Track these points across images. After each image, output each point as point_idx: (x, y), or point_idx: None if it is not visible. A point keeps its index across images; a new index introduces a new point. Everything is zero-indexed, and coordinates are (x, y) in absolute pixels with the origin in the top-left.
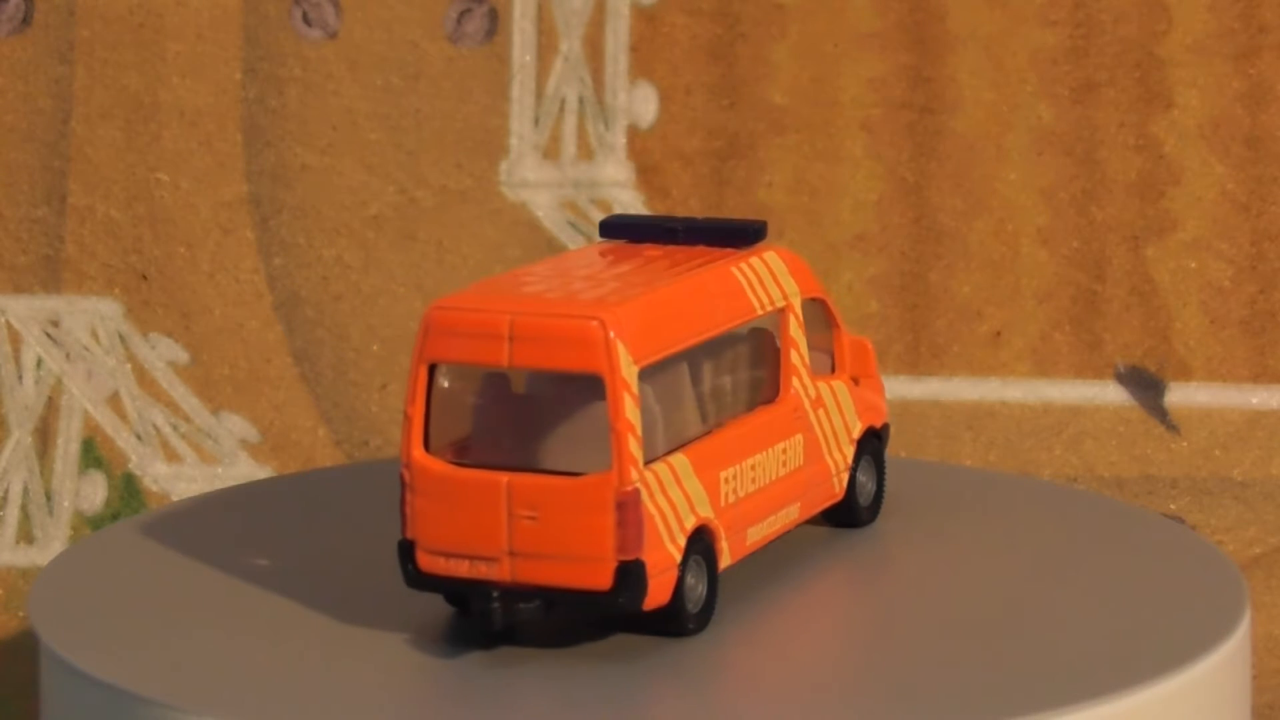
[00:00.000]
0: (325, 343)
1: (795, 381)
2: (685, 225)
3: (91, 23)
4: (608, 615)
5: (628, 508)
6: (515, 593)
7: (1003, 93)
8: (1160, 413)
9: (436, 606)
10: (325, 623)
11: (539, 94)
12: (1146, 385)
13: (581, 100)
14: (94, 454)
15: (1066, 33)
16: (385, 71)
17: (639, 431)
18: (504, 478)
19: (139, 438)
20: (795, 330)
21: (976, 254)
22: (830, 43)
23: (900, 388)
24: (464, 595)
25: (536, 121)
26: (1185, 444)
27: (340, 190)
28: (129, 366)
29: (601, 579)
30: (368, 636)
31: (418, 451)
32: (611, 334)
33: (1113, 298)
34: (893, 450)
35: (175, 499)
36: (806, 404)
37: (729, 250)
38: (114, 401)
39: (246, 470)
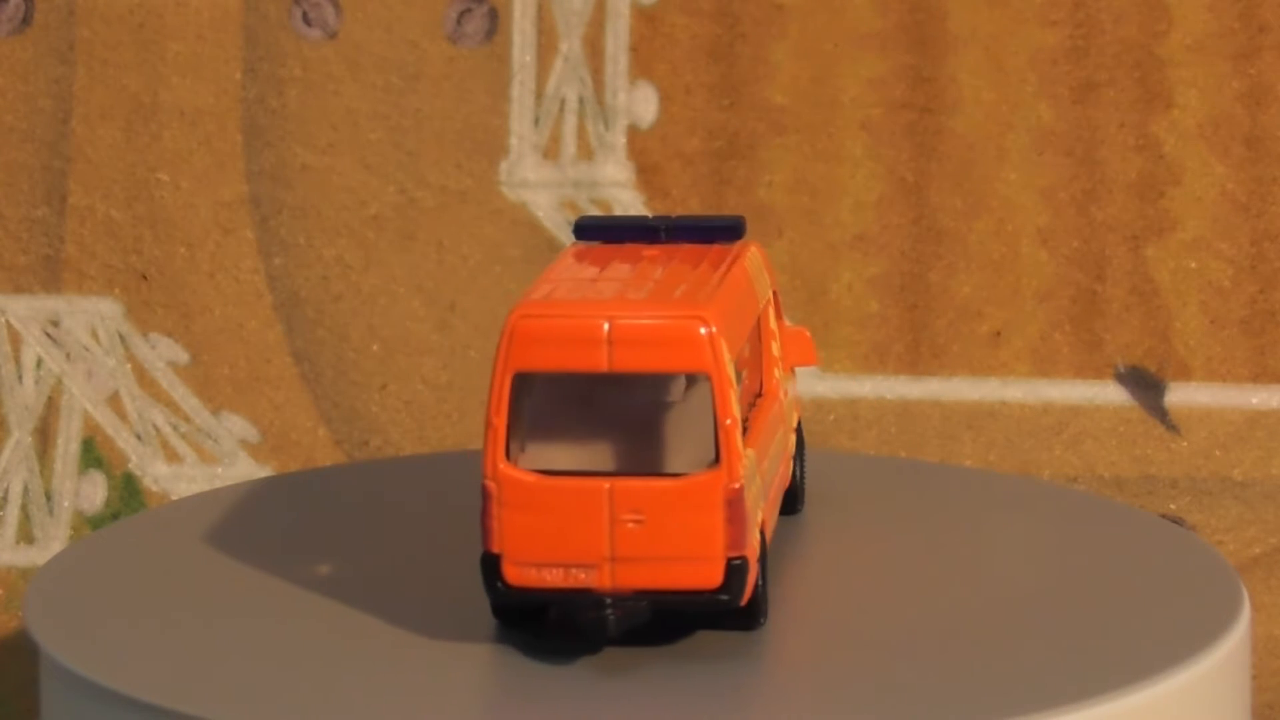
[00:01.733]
0: (325, 343)
1: (775, 373)
2: (667, 224)
3: (91, 23)
4: (711, 614)
5: (735, 504)
6: (622, 598)
7: (1003, 93)
8: (1160, 413)
9: (436, 607)
10: (325, 623)
11: (539, 94)
12: (1146, 385)
13: (581, 100)
14: (94, 454)
15: (1066, 33)
16: (385, 71)
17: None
18: (605, 483)
19: (139, 438)
20: (774, 322)
21: (976, 254)
22: (830, 43)
23: (900, 388)
24: (547, 606)
25: (536, 121)
26: (1185, 444)
27: (340, 190)
28: (129, 366)
29: (711, 578)
30: (367, 637)
31: (504, 463)
32: (715, 331)
33: (1113, 298)
34: (892, 450)
35: (175, 499)
36: (782, 395)
37: (722, 246)
38: (114, 401)
39: (246, 470)
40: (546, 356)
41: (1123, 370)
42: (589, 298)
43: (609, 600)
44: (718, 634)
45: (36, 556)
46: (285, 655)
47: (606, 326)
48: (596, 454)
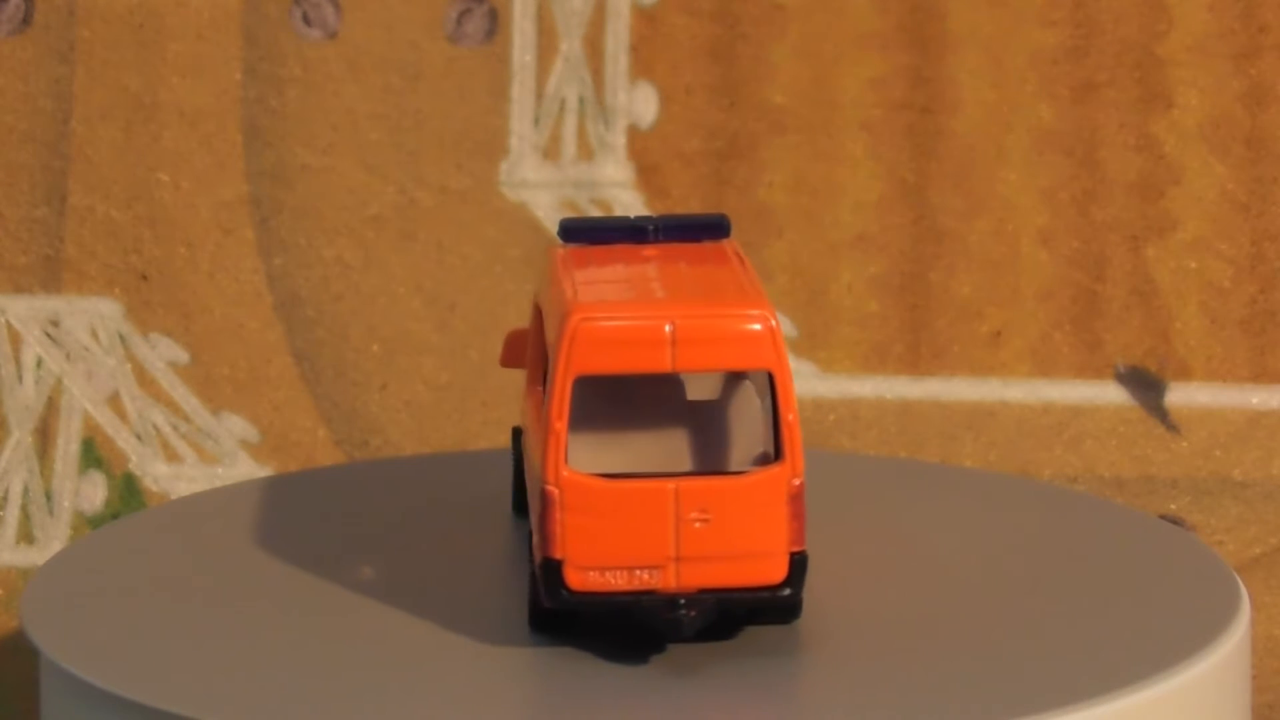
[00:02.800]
0: (325, 343)
1: None
2: (655, 224)
3: (91, 23)
4: (772, 608)
5: (798, 500)
6: (691, 598)
7: (1003, 93)
8: (1160, 413)
9: (438, 607)
10: (324, 624)
11: (539, 94)
12: (1146, 385)
13: (581, 100)
14: (94, 454)
15: (1066, 33)
16: (385, 71)
17: None
18: (671, 484)
19: (139, 438)
20: None
21: (976, 254)
22: (830, 43)
23: (900, 388)
24: (607, 611)
25: (536, 121)
26: (1185, 444)
27: (340, 190)
28: (129, 366)
29: (775, 573)
30: (368, 638)
31: (567, 468)
32: (776, 326)
33: (1113, 298)
34: (892, 450)
35: (175, 499)
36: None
37: (711, 244)
38: (114, 401)
39: (246, 470)
40: (610, 359)
41: (1123, 370)
42: (646, 298)
43: (683, 600)
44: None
45: (36, 556)
46: (285, 656)
47: (669, 327)
48: (647, 454)
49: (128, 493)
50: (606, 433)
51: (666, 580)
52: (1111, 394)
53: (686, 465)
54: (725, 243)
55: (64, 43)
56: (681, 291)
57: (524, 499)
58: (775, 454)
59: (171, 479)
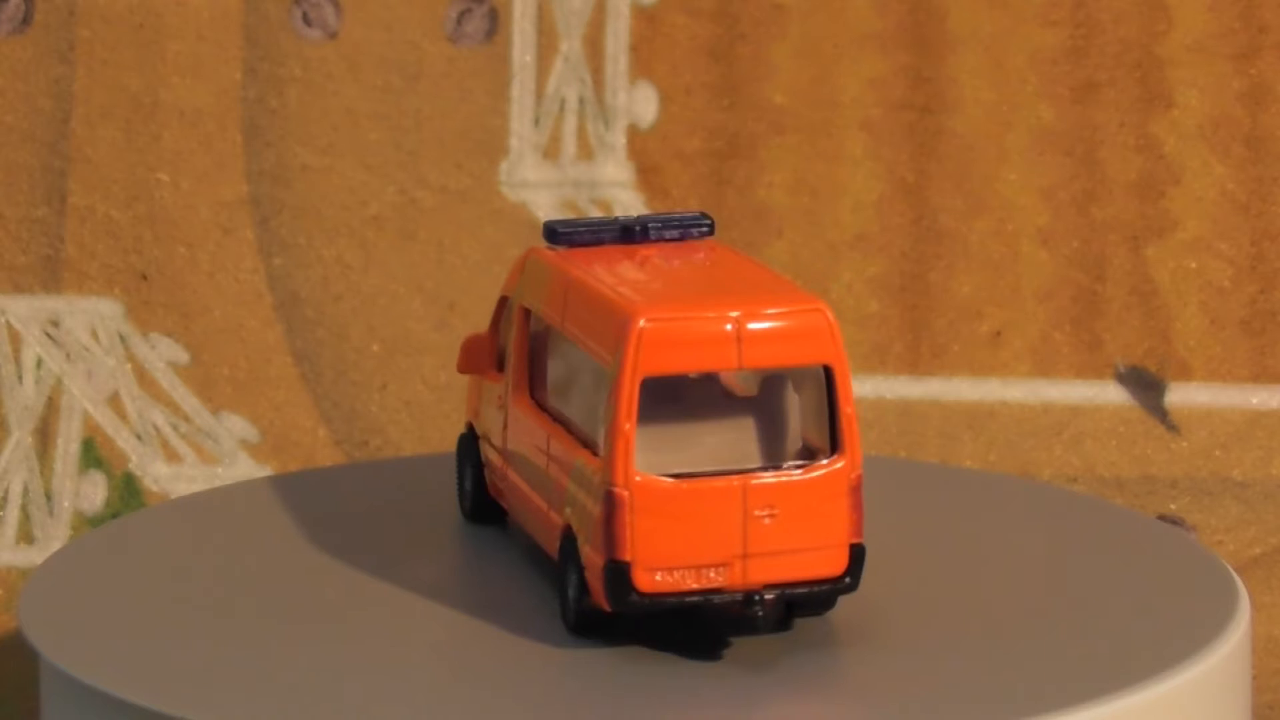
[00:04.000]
0: (325, 343)
1: None
2: (641, 222)
3: (91, 23)
4: (831, 599)
5: (858, 492)
6: (763, 593)
7: (1003, 93)
8: (1160, 413)
9: (440, 607)
10: (324, 624)
11: (539, 94)
12: (1146, 385)
13: (581, 100)
14: (94, 454)
15: (1066, 33)
16: (385, 71)
17: None
18: (739, 481)
19: (139, 438)
20: None
21: (976, 254)
22: (830, 43)
23: (900, 388)
24: (675, 611)
25: (536, 121)
26: (1185, 444)
27: (340, 190)
28: (129, 366)
29: (837, 565)
30: (368, 639)
31: (635, 470)
32: (835, 321)
33: (1113, 298)
34: (892, 450)
35: (174, 499)
36: None
37: (699, 242)
38: (114, 401)
39: (246, 470)
40: (676, 359)
41: (1123, 370)
42: (705, 297)
43: (757, 597)
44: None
45: (36, 556)
46: (284, 657)
47: (735, 325)
48: (701, 453)
49: (128, 493)
50: (659, 432)
51: (734, 578)
52: (1111, 394)
53: (741, 462)
54: (714, 240)
55: (64, 43)
56: (734, 289)
57: (483, 506)
58: (831, 447)
59: (171, 479)
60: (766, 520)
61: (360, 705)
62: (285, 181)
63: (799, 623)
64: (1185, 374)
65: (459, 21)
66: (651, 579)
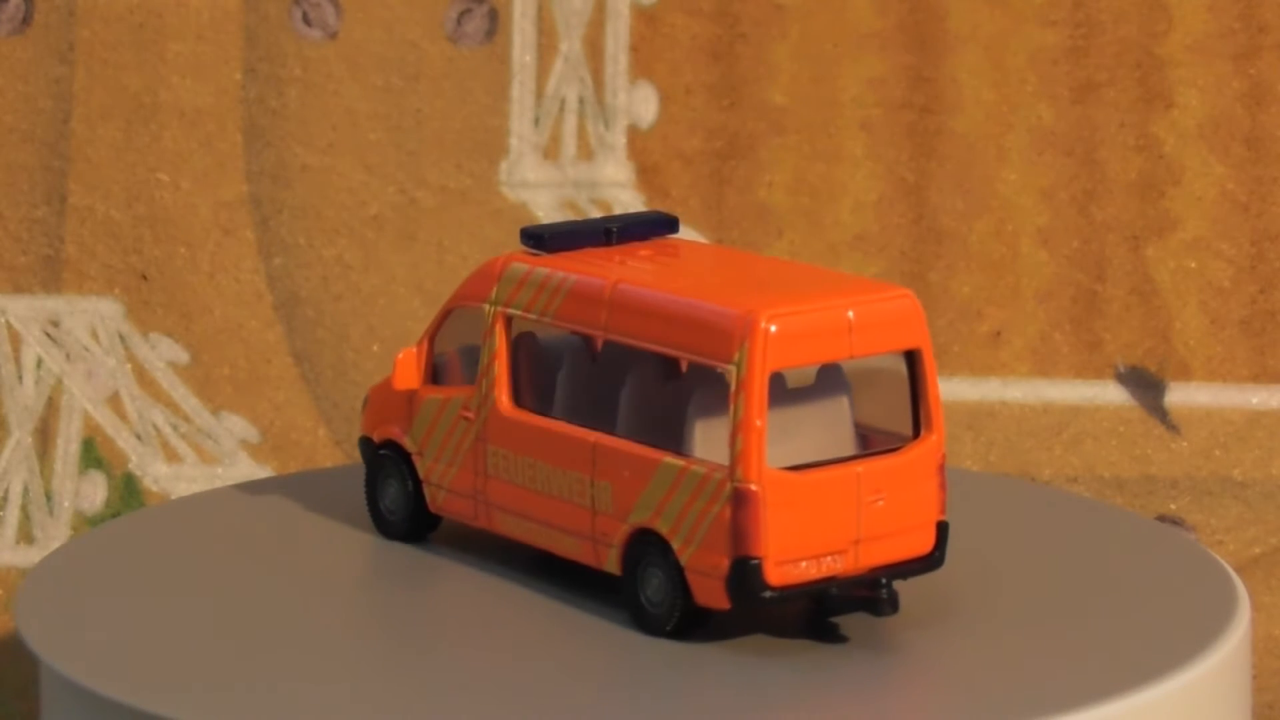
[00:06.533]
0: (325, 343)
1: None
2: (618, 223)
3: (91, 23)
4: (919, 575)
5: (943, 470)
6: (885, 577)
7: (1003, 93)
8: (1160, 413)
9: (441, 607)
10: (324, 625)
11: (539, 94)
12: (1146, 385)
13: (581, 100)
14: (94, 454)
15: (1066, 33)
16: (385, 71)
17: None
18: (855, 468)
19: (139, 438)
20: None
21: (976, 254)
22: (830, 43)
23: None
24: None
25: (536, 121)
26: (1185, 444)
27: (340, 190)
28: (129, 366)
29: (926, 543)
30: (369, 639)
31: (767, 465)
32: (921, 307)
33: (1113, 298)
34: None
35: (174, 499)
36: None
37: (668, 239)
38: (114, 401)
39: (246, 470)
40: (800, 352)
41: (1123, 370)
42: (812, 291)
43: (884, 582)
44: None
45: (36, 556)
46: (284, 659)
47: (851, 314)
48: (805, 444)
49: (128, 493)
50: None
51: (848, 564)
52: (1111, 394)
53: (839, 450)
54: (676, 238)
55: (64, 43)
56: (804, 282)
57: (422, 524)
58: (916, 428)
59: (171, 479)
60: (878, 504)
61: (362, 706)
62: (285, 181)
63: (775, 618)
64: (1185, 374)
65: (459, 21)
66: (782, 572)
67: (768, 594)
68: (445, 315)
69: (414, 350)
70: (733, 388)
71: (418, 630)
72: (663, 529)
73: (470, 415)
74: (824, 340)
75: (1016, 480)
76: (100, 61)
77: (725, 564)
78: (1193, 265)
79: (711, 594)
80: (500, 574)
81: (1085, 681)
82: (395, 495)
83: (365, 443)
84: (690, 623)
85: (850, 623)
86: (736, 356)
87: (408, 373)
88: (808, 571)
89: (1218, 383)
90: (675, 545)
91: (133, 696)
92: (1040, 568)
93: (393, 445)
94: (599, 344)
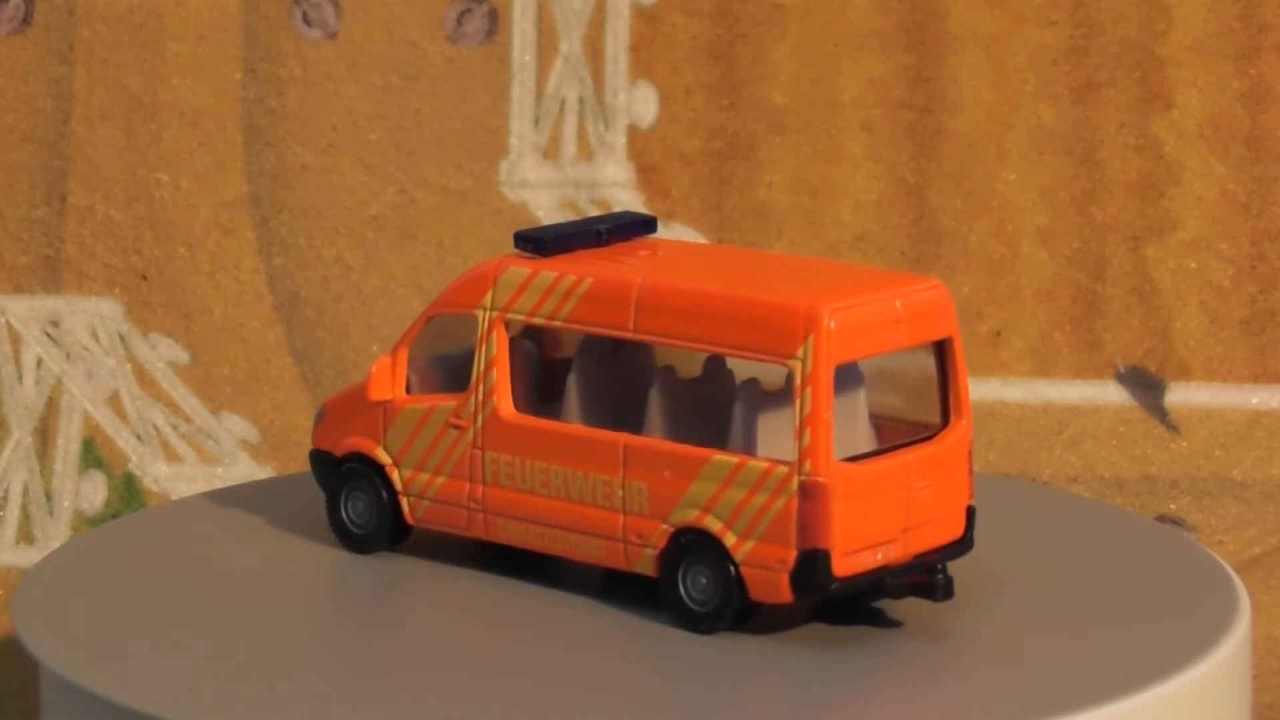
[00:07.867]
0: (325, 343)
1: None
2: (606, 224)
3: (91, 23)
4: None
5: (971, 455)
6: (940, 562)
7: (1003, 93)
8: (1160, 413)
9: (442, 607)
10: (325, 626)
11: (539, 94)
12: (1146, 385)
13: (581, 100)
14: (94, 454)
15: (1066, 33)
16: (385, 71)
17: None
18: (907, 456)
19: (139, 438)
20: None
21: (976, 254)
22: (830, 43)
23: None
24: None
25: (536, 121)
26: (1185, 444)
27: (340, 190)
28: (129, 366)
29: (958, 528)
30: (369, 639)
31: (834, 459)
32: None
33: (1113, 298)
34: None
35: (174, 499)
36: None
37: (647, 239)
38: (114, 401)
39: (246, 470)
40: (858, 345)
41: (1123, 370)
42: (857, 284)
43: (940, 568)
44: (720, 638)
45: (36, 556)
46: (284, 660)
47: (900, 304)
48: (851, 434)
49: (128, 493)
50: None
51: (899, 551)
52: (1111, 394)
53: (877, 440)
54: (655, 238)
55: (64, 43)
56: (848, 275)
57: (398, 535)
58: (945, 415)
59: (171, 479)
60: (923, 492)
61: (363, 707)
62: (285, 181)
63: (773, 618)
64: (1185, 374)
65: (459, 21)
66: (847, 563)
67: (835, 585)
68: (424, 323)
69: (389, 360)
70: (797, 382)
71: (420, 631)
72: (713, 527)
73: (461, 423)
74: (878, 332)
75: (1016, 480)
76: (100, 61)
77: (790, 557)
78: (1193, 265)
79: (771, 588)
80: (501, 574)
81: (1085, 681)
82: (366, 509)
83: (321, 457)
84: (740, 619)
85: (843, 623)
86: (800, 352)
87: (383, 383)
88: (866, 561)
89: (1218, 383)
90: (729, 542)
91: (132, 697)
92: (1040, 568)
93: (361, 458)
94: (622, 345)
